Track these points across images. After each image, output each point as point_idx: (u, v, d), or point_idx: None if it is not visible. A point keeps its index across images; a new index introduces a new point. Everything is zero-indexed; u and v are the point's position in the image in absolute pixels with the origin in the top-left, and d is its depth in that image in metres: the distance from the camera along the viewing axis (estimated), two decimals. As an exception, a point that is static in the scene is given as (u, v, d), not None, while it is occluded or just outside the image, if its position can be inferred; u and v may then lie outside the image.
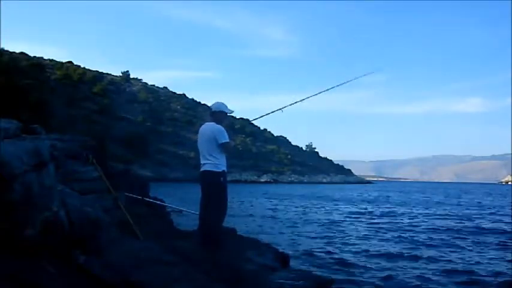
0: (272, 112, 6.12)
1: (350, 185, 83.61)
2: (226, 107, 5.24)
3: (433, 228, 13.54)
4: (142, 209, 7.09)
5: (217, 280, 3.79)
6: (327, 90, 6.50)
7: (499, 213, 20.74)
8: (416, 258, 8.57)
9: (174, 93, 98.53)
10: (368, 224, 14.87)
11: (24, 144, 3.34)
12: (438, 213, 20.27)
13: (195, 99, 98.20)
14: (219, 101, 5.26)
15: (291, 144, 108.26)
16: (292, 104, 6.23)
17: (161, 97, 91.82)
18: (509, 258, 8.72)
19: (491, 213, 20.33)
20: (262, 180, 78.64)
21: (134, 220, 5.52)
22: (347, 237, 11.36)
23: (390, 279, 6.75)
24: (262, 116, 6.12)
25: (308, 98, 6.43)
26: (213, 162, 4.96)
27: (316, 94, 6.46)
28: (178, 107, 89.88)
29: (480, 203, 29.92)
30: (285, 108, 6.11)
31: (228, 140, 5.02)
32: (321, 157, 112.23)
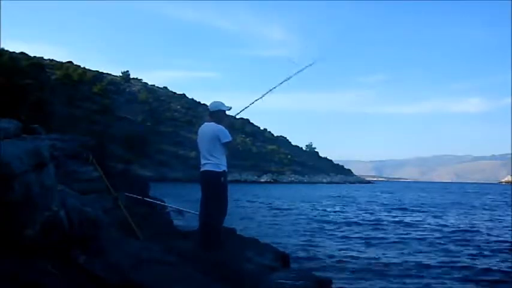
0: (251, 104, 5.74)
1: (354, 184, 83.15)
2: (223, 104, 5.23)
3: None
4: (142, 209, 7.08)
5: (217, 280, 3.79)
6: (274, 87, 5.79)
7: None
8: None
9: (174, 93, 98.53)
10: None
11: (24, 144, 3.34)
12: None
13: (195, 99, 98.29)
14: (218, 100, 5.26)
15: (291, 144, 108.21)
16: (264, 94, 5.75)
17: (161, 97, 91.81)
18: None
19: None
20: (262, 180, 78.54)
21: (134, 220, 5.52)
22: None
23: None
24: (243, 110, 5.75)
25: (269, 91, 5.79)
26: (214, 162, 4.96)
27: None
28: (178, 107, 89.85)
29: None
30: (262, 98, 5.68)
31: (231, 139, 5.05)
32: (321, 157, 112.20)
